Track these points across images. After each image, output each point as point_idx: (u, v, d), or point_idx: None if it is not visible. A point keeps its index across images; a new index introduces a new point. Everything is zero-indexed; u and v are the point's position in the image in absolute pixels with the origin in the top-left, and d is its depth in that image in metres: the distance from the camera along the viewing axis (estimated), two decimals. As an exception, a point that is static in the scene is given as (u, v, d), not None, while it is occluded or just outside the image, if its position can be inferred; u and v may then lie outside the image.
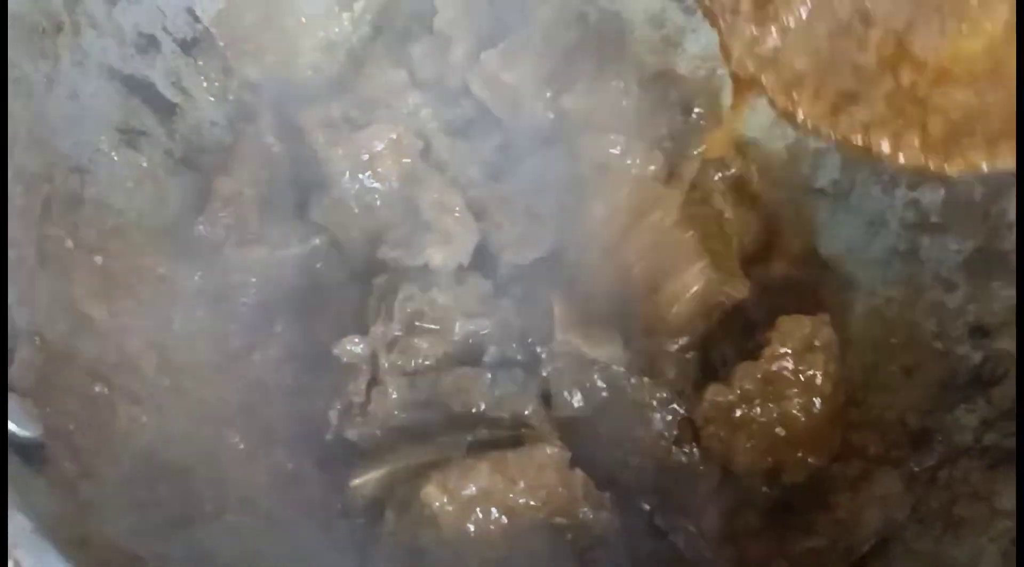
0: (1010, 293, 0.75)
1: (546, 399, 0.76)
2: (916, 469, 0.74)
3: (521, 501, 0.66)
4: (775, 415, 0.74)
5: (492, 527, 0.65)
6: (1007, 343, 0.74)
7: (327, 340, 0.78)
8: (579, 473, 0.68)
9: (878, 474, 0.76)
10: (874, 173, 0.87)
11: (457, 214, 0.78)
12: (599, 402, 0.76)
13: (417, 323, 0.75)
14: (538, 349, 0.77)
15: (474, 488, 0.65)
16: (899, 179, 0.85)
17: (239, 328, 0.79)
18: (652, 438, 0.75)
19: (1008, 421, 0.71)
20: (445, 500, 0.64)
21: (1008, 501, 0.66)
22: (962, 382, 0.77)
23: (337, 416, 0.76)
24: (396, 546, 0.67)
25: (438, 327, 0.75)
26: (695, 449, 0.75)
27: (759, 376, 0.74)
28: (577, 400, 0.75)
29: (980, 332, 0.77)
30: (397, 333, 0.75)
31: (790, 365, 0.74)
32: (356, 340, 0.74)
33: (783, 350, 0.74)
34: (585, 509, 0.67)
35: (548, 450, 0.67)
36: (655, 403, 0.76)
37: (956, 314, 0.79)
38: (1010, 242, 0.76)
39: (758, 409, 0.74)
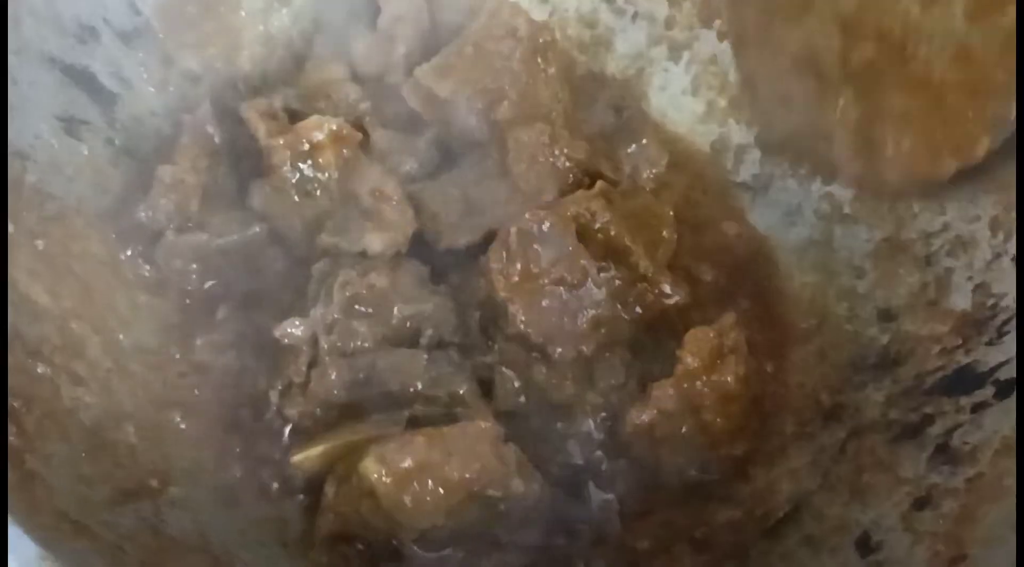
0: (915, 279, 0.81)
1: (484, 386, 0.79)
2: (827, 442, 0.79)
3: (456, 474, 0.68)
4: (695, 427, 0.77)
5: (428, 498, 0.68)
6: (911, 325, 0.80)
7: (268, 324, 0.80)
8: (511, 447, 0.71)
9: (792, 449, 0.80)
10: (791, 167, 0.92)
11: (395, 202, 0.81)
12: (534, 398, 0.79)
13: (356, 307, 0.77)
14: (481, 337, 0.80)
15: (411, 461, 0.67)
16: (814, 174, 0.91)
17: (181, 313, 0.81)
18: (582, 439, 0.79)
19: (911, 398, 0.76)
20: (383, 472, 0.66)
21: (909, 470, 0.71)
22: (871, 362, 0.82)
23: (277, 395, 0.77)
24: (336, 518, 0.69)
25: (375, 311, 0.77)
26: (620, 459, 0.78)
27: (673, 393, 0.76)
28: (514, 393, 0.78)
29: (887, 315, 0.82)
30: (336, 316, 0.77)
31: (702, 378, 0.77)
32: (296, 323, 0.77)
33: (694, 365, 0.76)
34: (517, 481, 0.70)
35: (482, 425, 0.70)
36: (588, 409, 0.79)
37: (865, 299, 0.84)
38: (914, 231, 0.82)
39: (678, 425, 0.77)
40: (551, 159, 0.83)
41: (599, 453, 0.77)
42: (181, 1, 0.89)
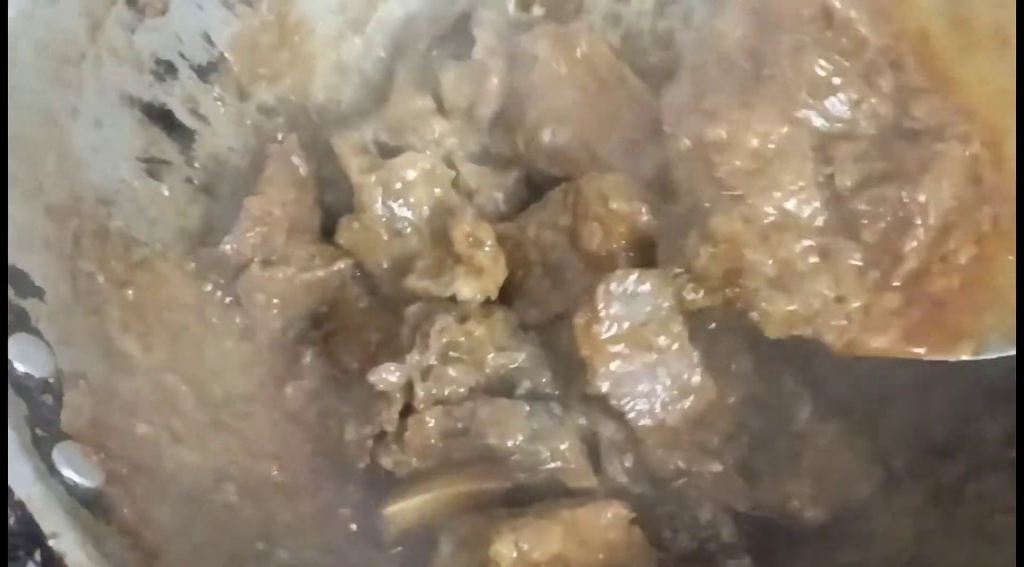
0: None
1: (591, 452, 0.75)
2: (944, 481, 0.76)
3: (587, 561, 0.66)
4: None
5: None
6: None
7: (357, 368, 0.77)
8: (638, 532, 0.68)
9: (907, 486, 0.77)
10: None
11: (488, 247, 0.78)
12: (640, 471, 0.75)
13: (451, 353, 0.75)
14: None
15: (546, 551, 0.65)
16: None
17: (269, 359, 0.78)
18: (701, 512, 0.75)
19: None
20: (515, 557, 0.64)
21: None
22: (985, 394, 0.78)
23: (371, 444, 0.75)
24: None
25: (470, 358, 0.75)
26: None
27: None
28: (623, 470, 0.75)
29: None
30: (432, 362, 0.74)
31: None
32: (392, 368, 0.74)
33: None
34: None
35: (613, 510, 0.67)
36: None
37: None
38: None
39: None
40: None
41: (722, 522, 0.74)
42: (254, 32, 0.86)
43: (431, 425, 0.74)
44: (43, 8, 0.68)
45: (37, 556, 0.48)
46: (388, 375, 0.74)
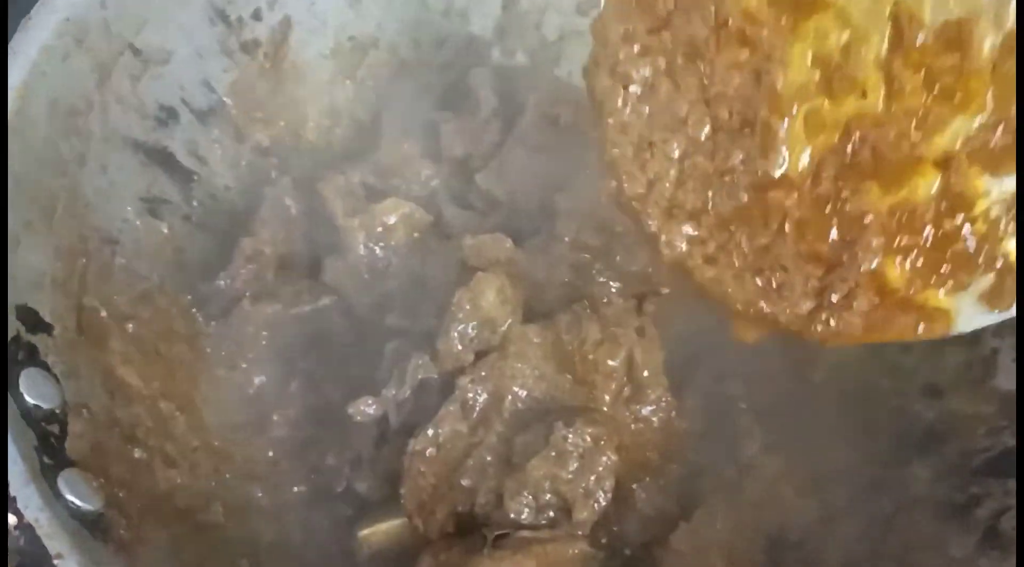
0: (960, 357, 0.84)
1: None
2: (874, 514, 0.82)
3: None
4: None
5: None
6: (956, 403, 0.83)
7: (337, 399, 0.83)
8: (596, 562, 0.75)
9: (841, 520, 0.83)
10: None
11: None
12: None
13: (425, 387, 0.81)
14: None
15: None
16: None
17: (258, 387, 0.84)
18: None
19: (957, 476, 0.79)
20: None
21: (958, 550, 0.74)
22: (916, 438, 0.84)
23: (348, 469, 0.81)
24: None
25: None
26: None
27: None
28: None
29: (933, 391, 0.85)
30: (407, 396, 0.81)
31: None
32: (369, 401, 0.80)
33: None
34: None
35: (580, 547, 0.73)
36: None
37: (912, 374, 0.87)
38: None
39: None
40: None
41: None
42: (252, 77, 0.92)
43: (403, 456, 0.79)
44: (56, 65, 0.73)
45: (43, 575, 0.54)
46: (366, 408, 0.80)
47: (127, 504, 0.66)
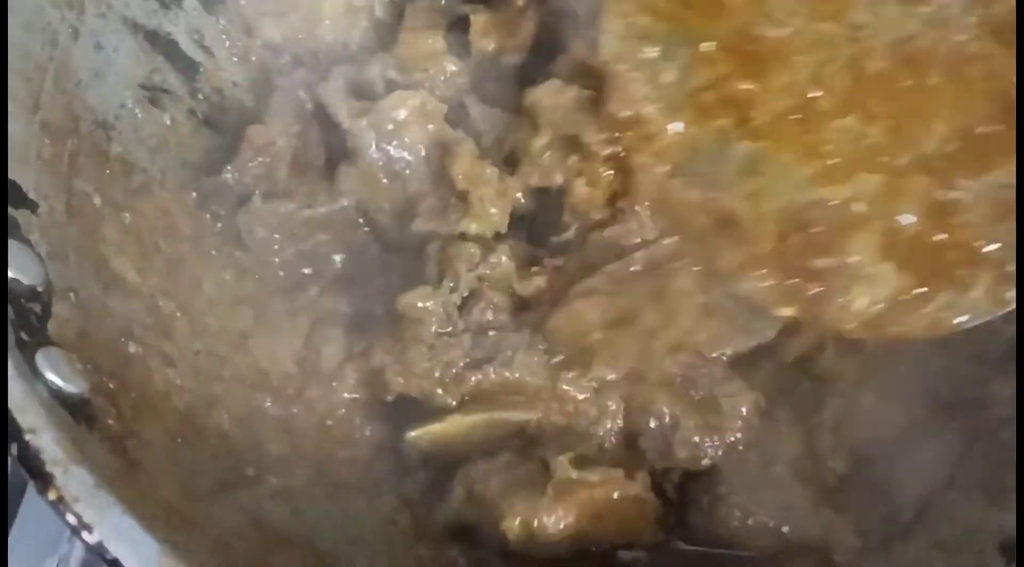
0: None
1: None
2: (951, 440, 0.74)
3: (595, 534, 0.66)
4: None
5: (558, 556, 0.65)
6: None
7: (370, 303, 0.76)
8: (652, 502, 0.68)
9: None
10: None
11: (491, 182, 0.76)
12: None
13: (480, 284, 0.74)
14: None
15: (558, 530, 0.64)
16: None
17: (268, 294, 0.77)
18: None
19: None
20: (523, 535, 0.64)
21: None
22: (995, 355, 0.76)
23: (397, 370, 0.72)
24: (455, 520, 0.66)
25: (501, 287, 0.74)
26: None
27: None
28: None
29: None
30: (466, 293, 0.73)
31: None
32: (426, 293, 0.72)
33: None
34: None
35: (634, 489, 0.67)
36: None
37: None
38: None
39: None
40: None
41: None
42: (261, -36, 0.85)
43: (458, 353, 0.72)
44: (45, -78, 0.67)
45: (13, 450, 0.46)
46: (421, 302, 0.72)
47: (118, 396, 0.58)
